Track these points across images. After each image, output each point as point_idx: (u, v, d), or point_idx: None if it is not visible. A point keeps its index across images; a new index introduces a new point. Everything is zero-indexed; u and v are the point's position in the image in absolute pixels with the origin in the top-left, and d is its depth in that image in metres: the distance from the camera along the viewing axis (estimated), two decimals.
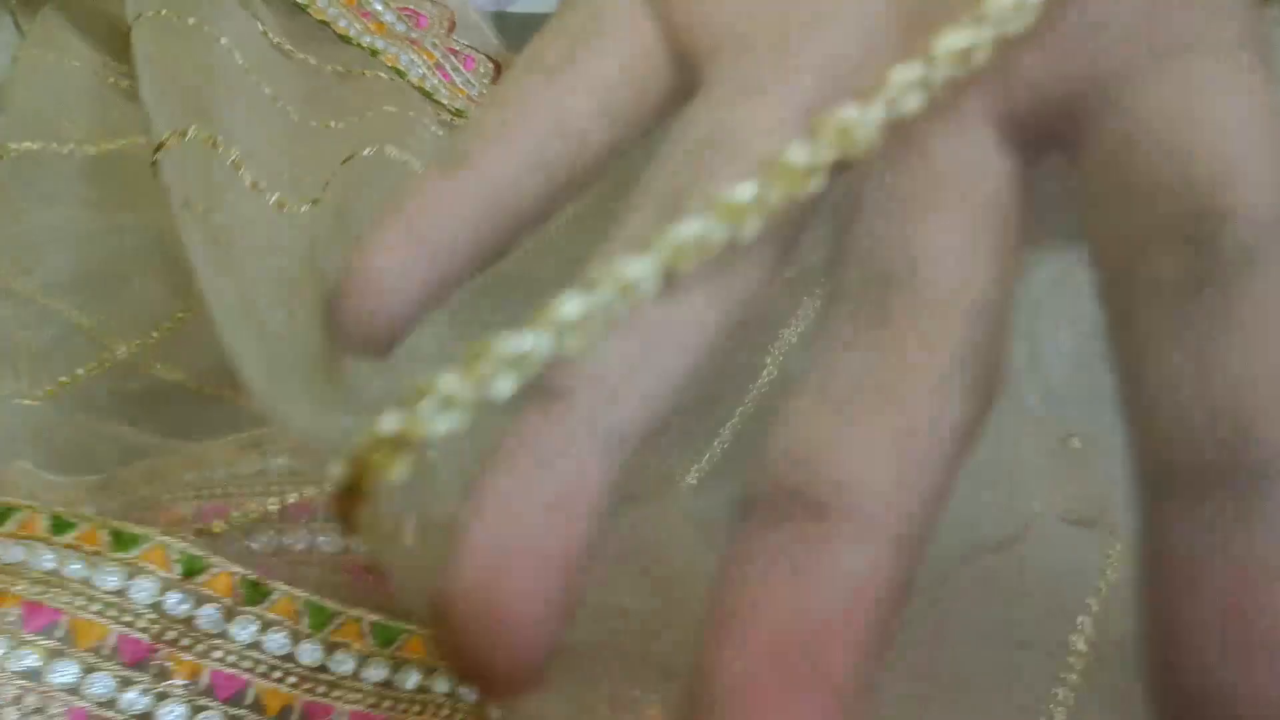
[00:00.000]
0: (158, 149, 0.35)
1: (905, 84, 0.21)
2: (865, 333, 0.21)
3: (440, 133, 0.42)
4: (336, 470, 0.21)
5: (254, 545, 0.35)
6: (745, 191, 0.21)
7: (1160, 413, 0.19)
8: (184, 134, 0.35)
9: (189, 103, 0.37)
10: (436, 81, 0.45)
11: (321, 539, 0.35)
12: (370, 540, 0.22)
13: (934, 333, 0.20)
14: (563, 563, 0.19)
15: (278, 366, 0.29)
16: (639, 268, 0.21)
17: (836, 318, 0.21)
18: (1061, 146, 0.22)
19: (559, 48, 0.25)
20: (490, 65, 0.48)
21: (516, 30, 0.51)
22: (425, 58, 0.46)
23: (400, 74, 0.45)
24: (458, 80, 0.46)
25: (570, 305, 0.20)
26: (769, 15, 0.24)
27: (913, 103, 0.21)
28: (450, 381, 0.20)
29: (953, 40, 0.21)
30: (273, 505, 0.35)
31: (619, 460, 0.20)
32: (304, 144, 0.39)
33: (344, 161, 0.37)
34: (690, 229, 0.21)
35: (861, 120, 0.21)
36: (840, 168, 0.22)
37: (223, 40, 0.40)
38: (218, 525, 0.35)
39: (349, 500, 0.21)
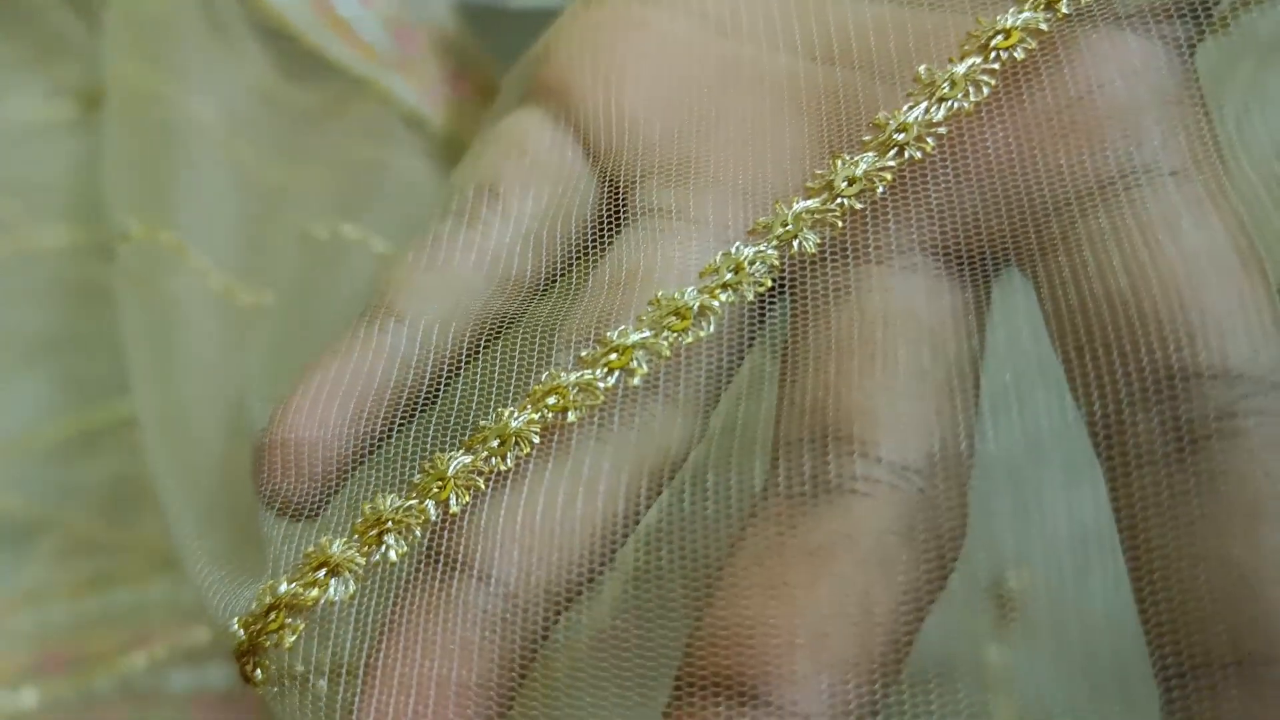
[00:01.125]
0: (120, 241, 0.35)
1: (801, 219, 0.21)
2: (806, 500, 0.20)
3: (422, 166, 0.42)
4: (235, 631, 0.21)
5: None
6: (630, 334, 0.21)
7: (1159, 595, 0.18)
8: (149, 230, 0.35)
9: (150, 193, 0.37)
10: (428, 110, 0.44)
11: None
12: (271, 696, 0.22)
13: (875, 499, 0.20)
14: None
15: (201, 501, 0.28)
16: (520, 421, 0.20)
17: (777, 480, 0.20)
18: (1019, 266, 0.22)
19: (481, 185, 0.25)
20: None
21: (514, 29, 0.49)
22: (415, 83, 0.45)
23: (388, 102, 0.44)
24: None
25: (454, 463, 0.20)
26: (694, 144, 0.24)
27: (811, 239, 0.21)
28: (340, 548, 0.20)
29: (850, 167, 0.21)
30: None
31: (520, 628, 0.20)
32: (270, 218, 0.39)
33: (300, 242, 0.37)
34: (572, 375, 0.21)
35: (756, 259, 0.21)
36: (749, 307, 0.22)
37: (194, 105, 0.39)
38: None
39: (249, 659, 0.21)
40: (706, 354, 0.22)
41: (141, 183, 0.37)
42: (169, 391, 0.31)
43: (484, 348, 0.23)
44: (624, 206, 0.24)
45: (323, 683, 0.22)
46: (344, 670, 0.21)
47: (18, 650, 0.36)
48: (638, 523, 0.21)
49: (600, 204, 0.25)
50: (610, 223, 0.24)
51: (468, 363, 0.23)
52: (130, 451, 0.39)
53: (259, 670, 0.21)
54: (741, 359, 0.22)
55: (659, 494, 0.21)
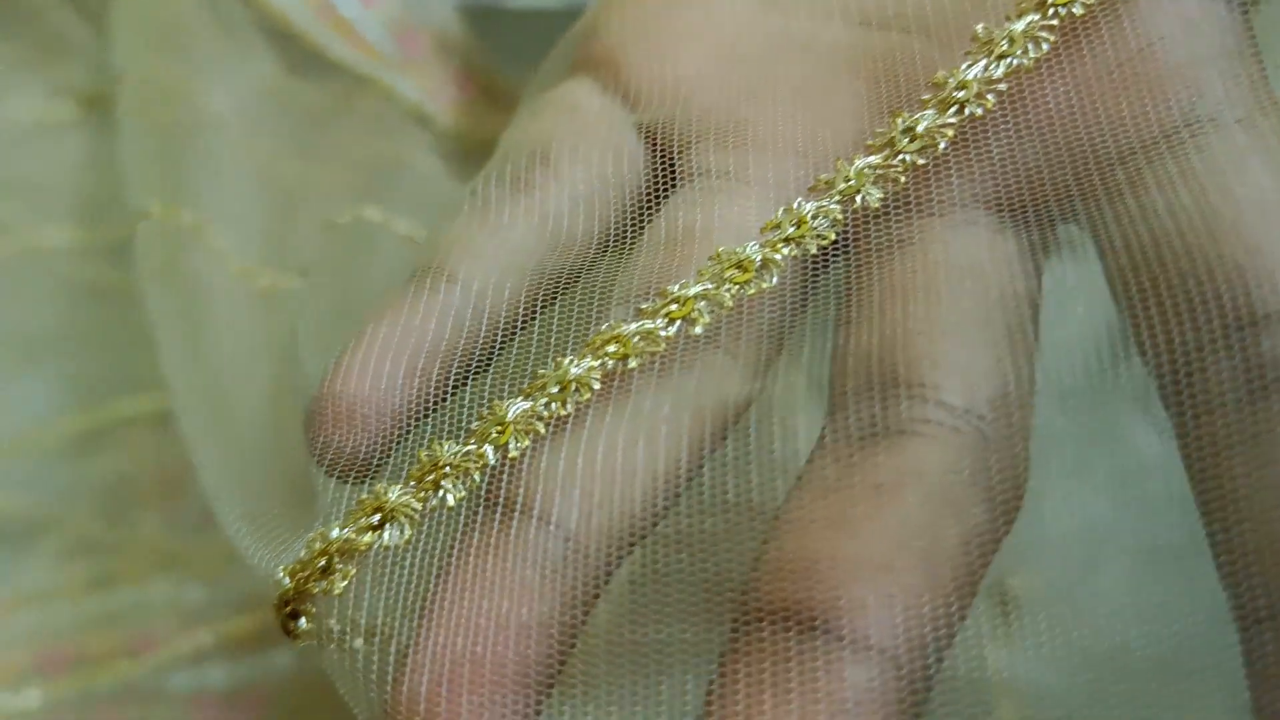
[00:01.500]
0: (139, 219, 0.35)
1: (864, 174, 0.21)
2: (867, 442, 0.20)
3: (431, 160, 0.42)
4: (280, 578, 0.21)
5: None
6: (692, 285, 0.21)
7: (1235, 539, 0.18)
8: (169, 209, 0.35)
9: (169, 176, 0.37)
10: (432, 107, 0.44)
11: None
12: (311, 649, 0.22)
13: (940, 441, 0.20)
14: (514, 679, 0.19)
15: (243, 467, 0.28)
16: (580, 368, 0.21)
17: (835, 424, 0.20)
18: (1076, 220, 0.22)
19: (533, 150, 0.25)
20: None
21: (514, 29, 0.50)
22: (419, 83, 0.45)
23: (392, 99, 0.44)
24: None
25: (513, 409, 0.20)
26: (747, 108, 0.24)
27: (874, 194, 0.21)
28: (396, 494, 0.20)
29: (911, 124, 0.21)
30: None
31: (580, 571, 0.20)
32: (288, 208, 0.39)
33: (323, 229, 0.37)
34: (633, 325, 0.21)
35: (818, 214, 0.21)
36: (810, 261, 0.22)
37: (211, 98, 0.39)
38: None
39: (291, 609, 0.21)
40: (768, 306, 0.22)
41: (160, 167, 0.37)
42: (199, 364, 0.31)
43: (540, 309, 0.24)
44: (675, 171, 0.24)
45: (360, 641, 0.22)
46: (397, 617, 0.21)
47: (19, 650, 0.36)
48: (699, 470, 0.21)
49: (652, 170, 0.25)
50: (662, 187, 0.25)
51: (523, 324, 0.24)
52: (131, 451, 0.39)
53: (303, 619, 0.21)
54: (802, 313, 0.22)
55: (721, 443, 0.21)
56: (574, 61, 0.27)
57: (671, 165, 0.25)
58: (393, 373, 0.22)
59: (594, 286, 0.23)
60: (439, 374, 0.23)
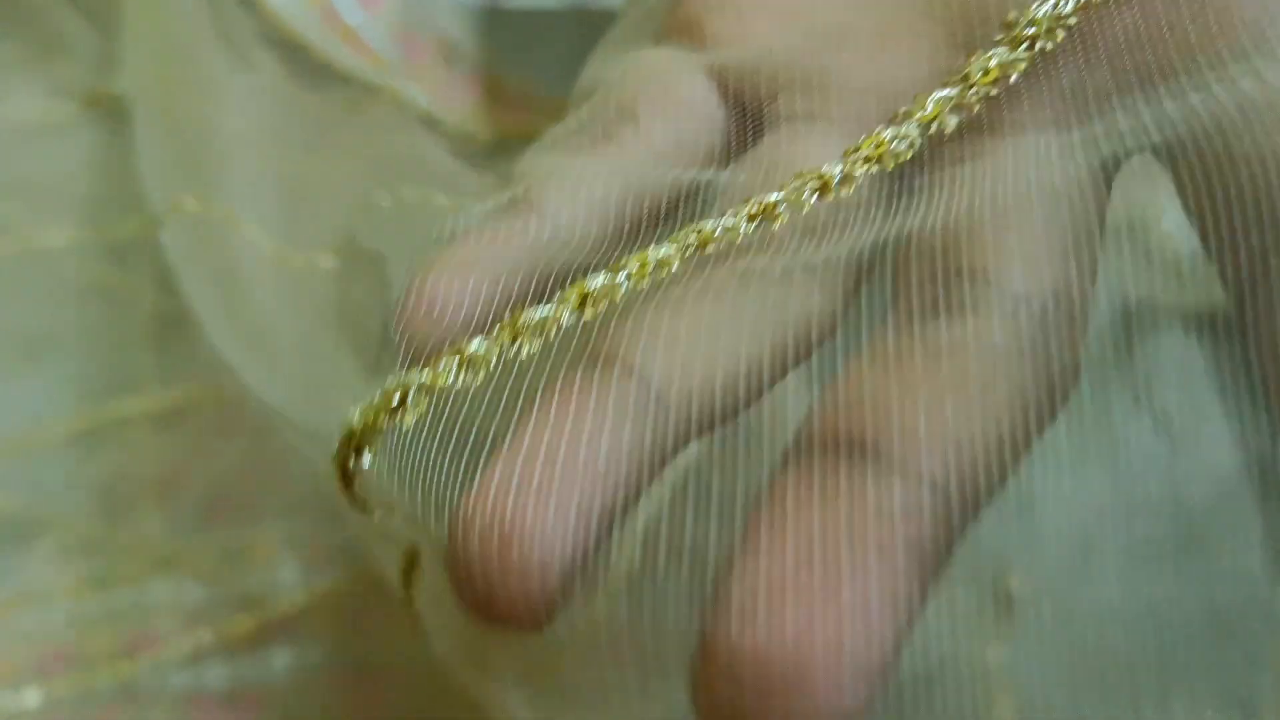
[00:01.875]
0: (169, 212, 0.35)
1: (941, 104, 0.22)
2: (927, 323, 0.20)
3: (445, 158, 0.42)
4: (350, 418, 0.21)
5: None
6: (773, 195, 0.22)
7: None
8: (199, 203, 0.35)
9: (190, 172, 0.37)
10: (440, 111, 0.45)
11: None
12: (363, 508, 0.22)
13: (999, 323, 0.20)
14: (587, 505, 0.19)
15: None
16: (662, 250, 0.21)
17: (898, 306, 0.21)
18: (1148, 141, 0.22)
19: (620, 108, 0.26)
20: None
21: (513, 29, 0.50)
22: (426, 89, 0.46)
23: (402, 105, 0.45)
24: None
25: (596, 280, 0.21)
26: (827, 57, 0.25)
27: (951, 121, 0.22)
28: (477, 346, 0.21)
29: (985, 62, 0.22)
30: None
31: (661, 424, 0.20)
32: (310, 202, 0.39)
33: (364, 211, 0.37)
34: (714, 221, 0.22)
35: (896, 138, 0.22)
36: (888, 183, 0.23)
37: (220, 105, 0.40)
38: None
39: (357, 444, 0.21)
40: (850, 226, 0.23)
41: (186, 162, 0.37)
42: (242, 335, 0.31)
43: (623, 249, 0.24)
44: (760, 125, 0.25)
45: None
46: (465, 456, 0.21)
47: (19, 650, 0.36)
48: (782, 376, 0.21)
49: (736, 128, 0.26)
50: (746, 143, 0.25)
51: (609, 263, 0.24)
52: (130, 451, 0.39)
53: (368, 454, 0.21)
54: (879, 247, 0.23)
55: (805, 359, 0.22)
56: (659, 30, 0.28)
57: (754, 121, 0.25)
58: (479, 280, 0.23)
59: (678, 224, 0.24)
60: (521, 292, 0.23)
